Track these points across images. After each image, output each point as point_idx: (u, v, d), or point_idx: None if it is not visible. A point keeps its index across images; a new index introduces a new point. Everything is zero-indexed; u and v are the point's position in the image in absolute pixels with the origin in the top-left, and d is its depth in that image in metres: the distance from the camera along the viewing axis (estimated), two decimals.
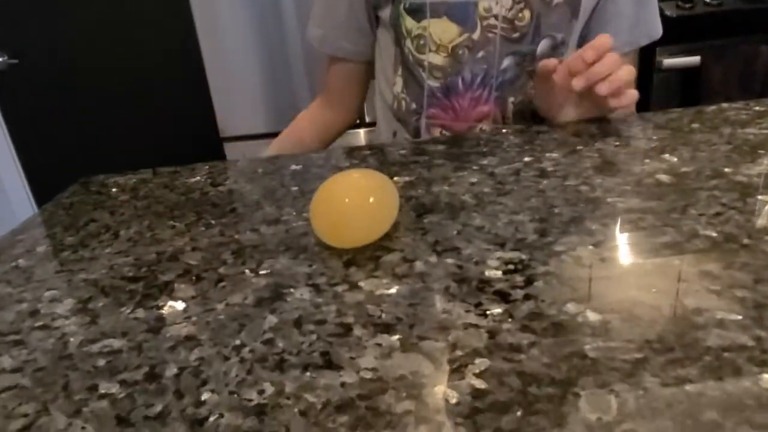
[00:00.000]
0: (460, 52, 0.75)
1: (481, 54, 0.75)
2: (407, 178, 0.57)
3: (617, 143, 0.60)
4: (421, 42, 0.76)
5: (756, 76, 1.88)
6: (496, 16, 0.73)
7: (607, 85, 0.61)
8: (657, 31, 0.81)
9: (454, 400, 0.27)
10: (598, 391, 0.27)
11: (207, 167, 0.70)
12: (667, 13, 1.84)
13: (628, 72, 0.62)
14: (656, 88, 1.99)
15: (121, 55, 1.94)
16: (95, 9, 1.89)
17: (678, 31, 1.87)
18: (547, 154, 0.60)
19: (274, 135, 1.69)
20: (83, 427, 0.28)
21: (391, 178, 0.58)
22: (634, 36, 0.79)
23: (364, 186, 0.44)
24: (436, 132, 0.81)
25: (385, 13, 0.80)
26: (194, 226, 0.52)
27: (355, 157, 0.67)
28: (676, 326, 0.30)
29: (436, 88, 0.78)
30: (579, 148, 0.61)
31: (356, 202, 0.43)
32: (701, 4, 1.88)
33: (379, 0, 0.79)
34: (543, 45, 0.75)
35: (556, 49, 0.76)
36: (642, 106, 2.04)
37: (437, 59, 0.76)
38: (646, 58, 1.99)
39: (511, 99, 0.78)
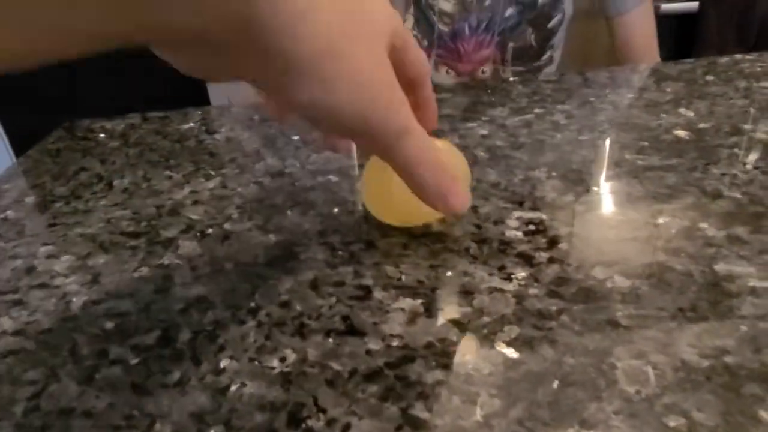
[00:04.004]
0: (470, 0, 0.79)
1: (487, 2, 0.79)
2: None
3: (630, 95, 0.58)
4: None
5: (752, 25, 1.85)
6: None
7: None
8: None
9: (486, 371, 0.26)
10: (634, 362, 0.26)
11: (199, 113, 0.66)
12: None
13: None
14: None
15: None
16: None
17: None
18: (558, 106, 0.58)
19: None
20: (97, 396, 0.27)
21: None
22: None
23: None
24: (443, 71, 0.85)
25: None
26: (193, 177, 0.49)
27: None
28: (708, 294, 0.30)
29: (444, 33, 0.82)
30: (591, 99, 0.59)
31: None
32: None
33: None
34: None
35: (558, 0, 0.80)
36: None
37: (447, 6, 0.80)
38: None
39: (511, 44, 0.82)
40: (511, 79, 0.68)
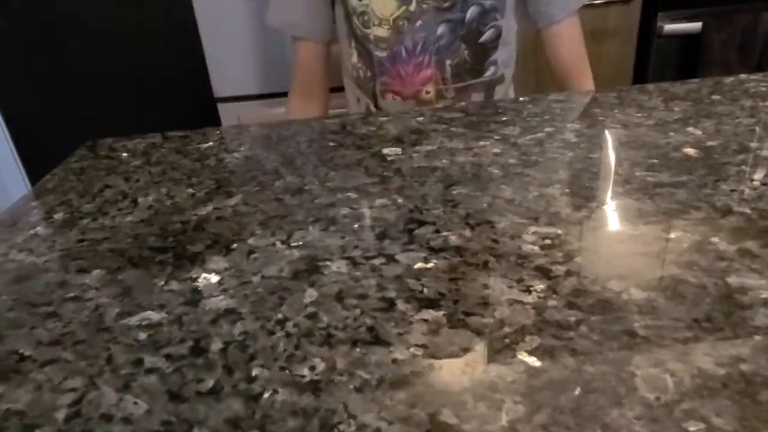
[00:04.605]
0: (401, 23, 0.82)
1: (419, 23, 0.82)
2: (429, 147, 0.56)
3: (639, 114, 0.60)
4: (366, 18, 0.84)
5: (755, 45, 1.87)
6: None
7: None
8: None
9: (509, 378, 0.27)
10: (653, 370, 0.27)
11: (218, 132, 0.68)
12: None
13: None
14: (655, 55, 1.98)
15: (111, 14, 1.88)
16: None
17: None
18: (569, 125, 0.59)
19: (266, 96, 1.67)
20: (135, 402, 0.28)
21: (413, 146, 0.57)
22: (566, 1, 0.85)
23: None
24: (389, 97, 0.88)
25: None
26: (215, 194, 0.51)
27: (372, 123, 0.66)
28: (722, 305, 0.31)
29: (383, 58, 0.85)
30: (601, 119, 0.60)
31: None
32: None
33: None
34: (472, 12, 0.82)
35: (485, 15, 0.83)
36: (640, 73, 2.02)
37: (381, 32, 0.83)
38: (646, 22, 1.97)
39: (448, 62, 0.85)
40: (521, 99, 0.69)
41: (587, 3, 0.85)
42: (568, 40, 0.87)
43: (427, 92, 0.86)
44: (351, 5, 0.83)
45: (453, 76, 0.85)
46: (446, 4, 0.81)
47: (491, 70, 0.86)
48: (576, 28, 0.87)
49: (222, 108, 1.72)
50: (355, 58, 0.88)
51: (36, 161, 2.02)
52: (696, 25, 1.86)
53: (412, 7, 0.81)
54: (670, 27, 1.89)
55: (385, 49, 0.84)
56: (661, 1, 1.93)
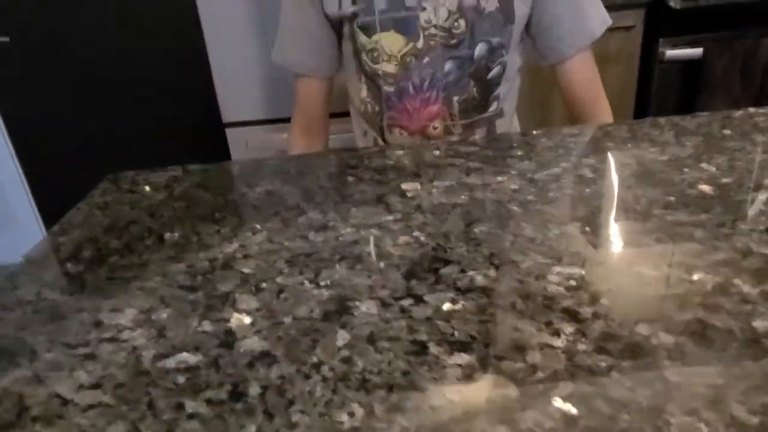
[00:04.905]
0: (408, 59, 0.84)
1: (426, 60, 0.84)
2: (447, 183, 0.57)
3: (652, 149, 0.61)
4: (375, 54, 0.86)
5: (756, 71, 1.90)
6: (435, 26, 0.82)
7: None
8: (598, 29, 0.86)
9: (547, 425, 0.28)
10: (687, 418, 0.28)
11: (238, 165, 0.69)
12: (672, 4, 1.85)
13: None
14: (657, 80, 2.00)
15: (121, 39, 1.91)
16: None
17: (682, 23, 1.88)
18: (584, 160, 0.61)
19: (274, 121, 1.69)
20: None
21: (431, 181, 0.58)
22: (575, 39, 0.86)
23: None
24: (396, 132, 0.89)
25: (346, 29, 0.87)
26: (240, 231, 0.52)
27: (389, 157, 0.67)
28: (750, 350, 0.31)
29: (391, 93, 0.87)
30: (614, 153, 0.61)
31: None
32: None
33: (340, 18, 0.86)
34: (480, 49, 0.84)
35: (493, 52, 0.84)
36: (643, 98, 2.05)
37: (389, 68, 0.85)
38: (648, 48, 2.00)
39: (456, 98, 0.86)
40: (534, 132, 0.71)
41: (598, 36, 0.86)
42: (580, 75, 0.88)
43: (435, 128, 0.88)
44: (360, 42, 0.85)
45: (461, 112, 0.87)
46: (453, 41, 0.82)
47: (494, 105, 0.88)
48: (588, 62, 0.88)
49: (230, 133, 1.73)
50: (364, 93, 0.90)
51: (38, 173, 2.03)
52: (697, 51, 1.89)
53: (420, 44, 0.83)
54: (671, 53, 1.91)
55: (392, 84, 0.86)
56: (662, 27, 1.96)
